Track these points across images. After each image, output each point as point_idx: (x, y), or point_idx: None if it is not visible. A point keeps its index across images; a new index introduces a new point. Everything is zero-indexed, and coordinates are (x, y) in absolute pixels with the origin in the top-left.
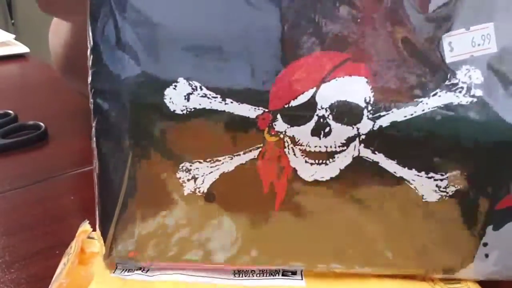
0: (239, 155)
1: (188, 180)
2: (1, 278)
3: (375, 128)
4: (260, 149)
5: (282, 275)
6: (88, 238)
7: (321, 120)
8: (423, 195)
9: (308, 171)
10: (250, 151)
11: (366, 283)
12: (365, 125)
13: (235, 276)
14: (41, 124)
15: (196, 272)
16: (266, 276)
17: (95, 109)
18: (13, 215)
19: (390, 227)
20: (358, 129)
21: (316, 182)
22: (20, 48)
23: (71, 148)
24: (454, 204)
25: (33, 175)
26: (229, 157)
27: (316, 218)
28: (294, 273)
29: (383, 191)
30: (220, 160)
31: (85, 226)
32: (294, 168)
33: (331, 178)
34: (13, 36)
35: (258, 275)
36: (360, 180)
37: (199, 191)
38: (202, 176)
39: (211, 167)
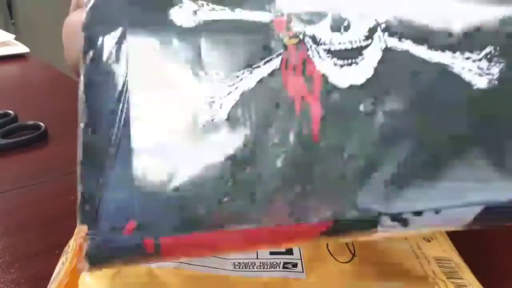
0: (259, 66)
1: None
2: (1, 278)
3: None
4: (281, 56)
5: (283, 267)
6: (86, 235)
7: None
8: (470, 81)
9: (340, 76)
10: (271, 59)
11: (366, 282)
12: (382, 12)
13: (235, 268)
14: (41, 124)
15: (197, 262)
16: (266, 268)
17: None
18: (13, 215)
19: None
20: (376, 17)
21: (353, 88)
22: (20, 48)
23: (71, 148)
24: (504, 91)
25: (33, 175)
26: (247, 70)
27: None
28: (295, 265)
29: (424, 83)
30: (238, 76)
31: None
32: (324, 75)
33: (367, 79)
34: (13, 36)
35: (258, 267)
36: (397, 77)
37: (217, 118)
38: (220, 98)
39: (228, 86)
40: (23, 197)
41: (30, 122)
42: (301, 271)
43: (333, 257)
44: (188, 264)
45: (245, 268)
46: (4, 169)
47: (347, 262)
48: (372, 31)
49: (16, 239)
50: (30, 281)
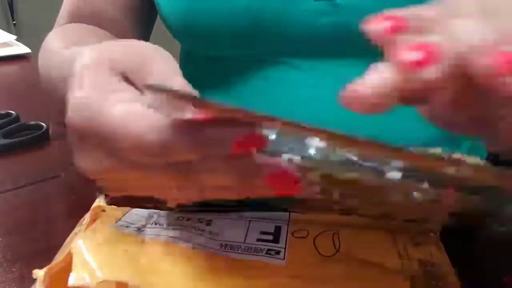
0: None
1: None
2: (3, 277)
3: None
4: None
5: (266, 253)
6: (101, 211)
7: None
8: None
9: None
10: None
11: (343, 273)
12: None
13: (221, 248)
14: (43, 124)
15: (187, 239)
16: (250, 252)
17: None
18: (15, 214)
19: None
20: None
21: None
22: (22, 49)
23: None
24: None
25: (34, 174)
26: None
27: None
28: (277, 252)
29: None
30: None
31: (99, 202)
32: None
33: None
34: (15, 37)
35: (243, 250)
36: None
37: None
38: None
39: None
40: (25, 197)
41: (32, 122)
42: (282, 258)
43: (317, 251)
44: (178, 239)
45: (231, 249)
46: (5, 169)
47: (329, 256)
48: None
49: (17, 239)
50: (32, 279)
